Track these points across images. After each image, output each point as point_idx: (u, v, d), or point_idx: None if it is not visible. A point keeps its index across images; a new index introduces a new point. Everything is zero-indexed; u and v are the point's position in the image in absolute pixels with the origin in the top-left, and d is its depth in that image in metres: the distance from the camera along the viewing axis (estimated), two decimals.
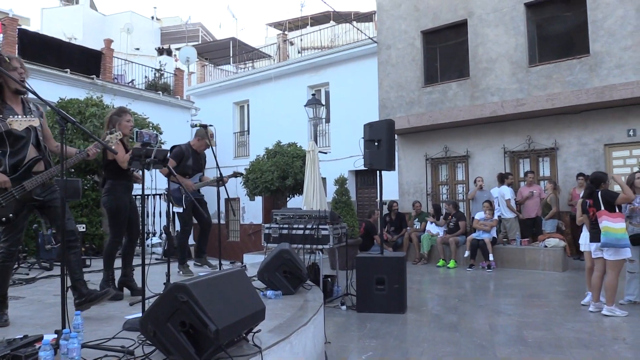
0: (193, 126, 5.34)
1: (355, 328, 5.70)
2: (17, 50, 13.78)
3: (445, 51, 12.96)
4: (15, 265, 6.65)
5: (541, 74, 11.13)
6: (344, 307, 6.52)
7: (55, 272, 6.65)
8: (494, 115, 11.53)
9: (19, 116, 3.26)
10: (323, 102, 14.97)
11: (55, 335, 2.92)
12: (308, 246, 6.62)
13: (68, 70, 14.34)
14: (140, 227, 4.65)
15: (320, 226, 6.53)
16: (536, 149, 11.54)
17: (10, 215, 3.55)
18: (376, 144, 6.55)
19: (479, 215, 10.56)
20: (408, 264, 10.56)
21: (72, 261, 3.72)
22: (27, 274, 6.38)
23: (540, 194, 10.62)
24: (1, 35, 13.90)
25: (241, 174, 6.57)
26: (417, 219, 11.91)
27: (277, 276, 4.61)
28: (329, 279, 7.05)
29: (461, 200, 12.84)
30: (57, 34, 18.96)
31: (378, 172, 6.87)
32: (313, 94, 14.40)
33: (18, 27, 14.25)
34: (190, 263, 6.44)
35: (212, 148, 5.53)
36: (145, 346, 2.79)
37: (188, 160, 6.03)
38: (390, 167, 6.62)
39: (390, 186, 13.25)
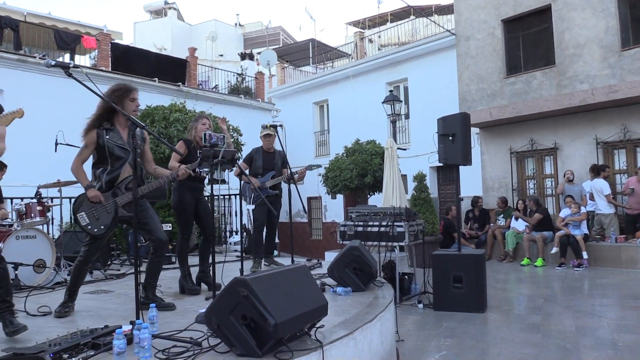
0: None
1: (431, 326, 5.58)
2: (110, 64, 14.79)
3: (528, 39, 12.35)
4: (109, 262, 7.16)
5: (636, 57, 10.30)
6: (420, 306, 6.41)
7: (142, 268, 7.06)
8: (584, 104, 10.83)
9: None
10: (402, 98, 14.80)
11: (131, 327, 3.11)
12: (384, 243, 6.57)
13: (156, 79, 15.18)
14: (214, 226, 4.85)
15: (396, 223, 6.46)
16: (633, 139, 10.71)
17: (102, 227, 3.88)
18: (450, 138, 6.37)
19: (564, 213, 9.94)
20: (493, 262, 10.21)
21: (153, 267, 4.04)
22: (119, 270, 6.83)
23: None
24: (96, 50, 14.98)
25: (318, 166, 6.56)
26: (501, 215, 11.45)
27: (347, 273, 4.61)
28: (406, 277, 6.95)
29: (550, 195, 12.19)
30: (148, 46, 20.13)
31: (455, 167, 6.69)
32: (391, 91, 14.27)
33: (111, 41, 15.27)
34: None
35: (280, 144, 5.68)
36: (211, 338, 2.90)
37: (257, 162, 6.32)
38: (466, 161, 6.41)
39: (473, 182, 12.85)
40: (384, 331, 3.78)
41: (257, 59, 24.29)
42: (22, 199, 7.05)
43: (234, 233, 10.00)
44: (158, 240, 4.00)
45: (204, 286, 5.06)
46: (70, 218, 6.22)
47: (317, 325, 3.09)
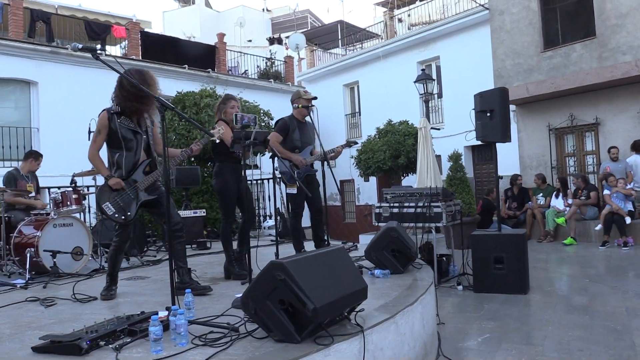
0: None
1: (472, 309, 5.42)
2: (140, 52, 14.88)
3: (566, 10, 11.84)
4: (145, 248, 7.20)
5: None
6: (460, 287, 6.24)
7: None
8: (627, 76, 10.34)
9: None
10: (434, 77, 14.43)
11: (167, 313, 3.06)
12: (421, 225, 6.40)
13: (186, 66, 15.21)
14: (254, 208, 4.67)
15: (432, 204, 6.27)
16: None
17: (129, 213, 3.92)
18: (488, 114, 6.12)
19: (608, 191, 9.52)
20: (532, 243, 9.89)
21: (177, 250, 3.96)
22: (155, 256, 6.85)
23: None
24: (126, 40, 15.07)
25: (355, 142, 6.06)
26: (541, 194, 11.09)
27: (384, 255, 4.48)
28: (444, 258, 6.78)
29: (591, 173, 11.75)
30: (177, 34, 20.20)
31: (493, 145, 6.44)
32: (423, 70, 13.93)
33: (140, 30, 15.34)
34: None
35: (312, 119, 5.18)
36: (248, 323, 2.83)
37: (294, 133, 5.37)
38: (505, 138, 6.17)
39: (510, 160, 12.48)
40: (425, 314, 3.65)
41: (285, 43, 24.13)
42: (58, 187, 7.14)
43: (267, 217, 9.97)
44: (175, 222, 3.95)
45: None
46: (97, 213, 6.27)
47: (357, 309, 2.98)
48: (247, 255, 4.94)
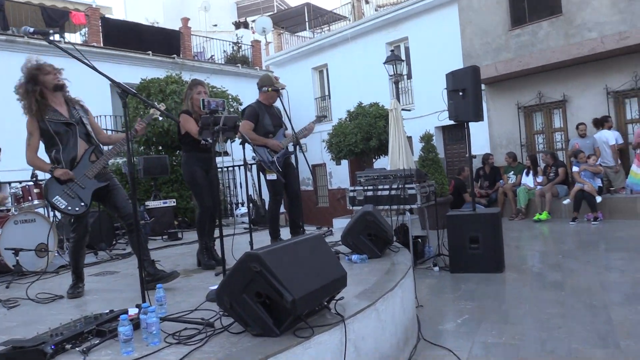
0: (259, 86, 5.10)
1: (449, 290, 5.40)
2: (101, 39, 14.39)
3: None
4: (114, 241, 6.97)
5: None
6: (436, 269, 6.22)
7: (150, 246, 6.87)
8: (593, 52, 10.44)
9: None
10: (403, 58, 14.36)
11: (137, 311, 2.91)
12: (395, 207, 6.35)
13: (150, 52, 14.78)
14: (220, 199, 4.53)
15: (407, 185, 6.21)
16: None
17: (82, 204, 3.76)
18: (461, 93, 6.07)
19: (576, 169, 9.65)
20: (504, 221, 9.96)
21: (134, 242, 3.82)
22: (124, 249, 6.64)
23: None
24: (86, 27, 14.55)
25: (325, 116, 5.89)
26: (512, 172, 11.19)
27: (361, 239, 4.39)
28: (419, 240, 6.76)
29: (560, 150, 11.90)
30: (139, 20, 19.60)
31: (465, 124, 6.40)
32: (392, 51, 13.84)
33: (101, 16, 14.82)
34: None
35: (284, 109, 4.97)
36: (224, 318, 2.70)
37: (265, 118, 5.20)
38: (478, 117, 6.13)
39: (480, 140, 12.54)
40: (405, 299, 3.58)
41: (252, 27, 23.72)
42: (20, 182, 6.83)
43: (240, 205, 9.80)
44: (128, 215, 3.88)
45: None
46: (47, 206, 6.03)
47: (337, 298, 2.88)
48: (214, 245, 4.87)
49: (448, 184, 10.62)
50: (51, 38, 3.02)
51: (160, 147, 9.60)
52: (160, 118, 3.98)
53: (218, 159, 4.48)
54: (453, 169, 13.77)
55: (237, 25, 25.01)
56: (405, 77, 14.99)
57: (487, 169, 11.53)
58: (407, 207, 6.31)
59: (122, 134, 4.02)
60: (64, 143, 3.78)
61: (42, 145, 3.87)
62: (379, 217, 4.46)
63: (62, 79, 3.83)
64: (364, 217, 4.40)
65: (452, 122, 6.67)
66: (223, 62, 18.16)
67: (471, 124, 6.32)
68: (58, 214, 7.65)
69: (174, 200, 8.19)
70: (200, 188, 4.70)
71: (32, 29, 2.97)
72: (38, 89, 3.73)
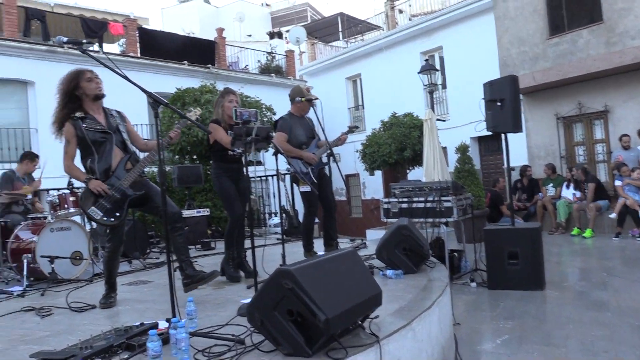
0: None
1: (487, 307, 5.21)
2: (138, 49, 14.65)
3: None
4: (147, 250, 7.00)
5: None
6: (473, 284, 6.02)
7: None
8: (637, 61, 10.06)
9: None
10: (437, 67, 14.17)
11: (167, 324, 2.86)
12: (430, 220, 6.19)
13: (185, 62, 14.98)
14: (247, 209, 4.44)
15: (443, 198, 6.05)
16: None
17: (117, 214, 3.74)
18: (499, 103, 5.89)
19: (619, 182, 9.25)
20: (544, 235, 9.64)
21: (178, 242, 3.79)
22: (158, 258, 6.65)
23: None
24: (124, 37, 14.84)
25: (357, 127, 5.83)
26: (551, 184, 10.85)
27: (396, 254, 4.26)
28: (456, 254, 6.57)
29: (602, 162, 11.50)
30: (176, 31, 19.93)
31: (503, 135, 6.20)
32: (426, 60, 13.68)
33: (138, 27, 15.10)
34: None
35: (318, 119, 4.83)
36: (254, 335, 2.62)
37: (297, 129, 5.15)
38: (517, 128, 5.94)
39: (518, 151, 12.20)
40: (442, 317, 3.44)
41: (285, 37, 23.87)
42: (57, 189, 6.93)
43: (272, 215, 9.76)
44: (171, 212, 3.74)
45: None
46: (82, 214, 6.09)
47: (372, 316, 2.77)
48: (252, 257, 4.81)
49: (484, 196, 10.36)
50: (84, 47, 3.00)
51: (194, 157, 9.66)
52: (195, 119, 3.91)
53: (250, 169, 4.43)
54: (489, 181, 13.46)
55: (271, 35, 25.22)
56: (439, 86, 14.80)
57: (525, 181, 11.21)
58: (443, 220, 6.14)
59: (155, 141, 3.97)
60: (100, 153, 3.77)
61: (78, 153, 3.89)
62: (415, 231, 4.33)
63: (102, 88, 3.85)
64: (399, 231, 4.27)
65: (488, 133, 6.49)
66: (257, 72, 18.29)
67: (508, 135, 6.13)
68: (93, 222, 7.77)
69: (208, 209, 8.20)
70: (229, 199, 4.65)
71: (65, 39, 2.97)
72: (79, 93, 3.77)
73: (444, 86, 15.49)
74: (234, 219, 4.70)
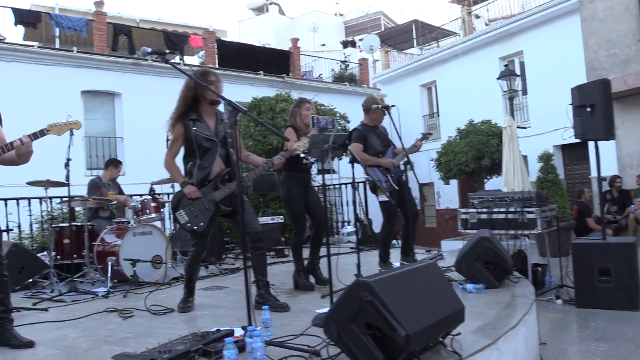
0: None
1: (576, 327, 4.86)
2: (216, 60, 15.13)
3: None
4: (223, 256, 7.12)
5: None
6: (559, 301, 5.65)
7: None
8: None
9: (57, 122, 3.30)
10: (518, 72, 13.61)
11: (243, 332, 2.85)
12: (512, 232, 5.89)
13: (261, 72, 15.31)
14: (325, 216, 4.38)
15: (526, 209, 5.74)
16: None
17: (202, 224, 3.77)
18: (589, 109, 5.52)
19: None
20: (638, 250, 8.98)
21: (257, 262, 3.80)
22: (233, 264, 6.75)
23: None
24: (203, 49, 15.38)
25: (430, 134, 5.69)
26: None
27: (477, 267, 4.06)
28: (539, 268, 6.21)
29: None
30: (252, 42, 20.46)
31: (593, 143, 5.81)
32: (506, 65, 13.19)
33: (216, 39, 15.61)
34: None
35: (394, 126, 4.61)
36: (330, 347, 2.55)
37: (372, 139, 5.10)
38: (609, 135, 5.54)
39: (606, 160, 11.32)
40: (529, 337, 3.22)
41: (359, 46, 23.87)
42: (140, 195, 7.22)
43: (346, 224, 9.70)
44: (254, 232, 3.77)
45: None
46: (170, 216, 6.27)
47: (453, 333, 2.62)
48: (328, 266, 4.76)
49: (569, 207, 9.77)
50: (167, 58, 3.08)
51: None
52: (302, 155, 3.93)
53: (327, 176, 4.38)
54: (573, 192, 12.72)
55: (345, 44, 25.32)
56: (520, 93, 14.21)
57: (615, 192, 10.47)
58: (526, 232, 5.82)
59: (260, 159, 4.02)
60: (202, 158, 3.81)
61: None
62: (497, 244, 4.11)
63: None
64: (481, 243, 4.06)
65: (573, 141, 6.10)
66: (331, 81, 18.40)
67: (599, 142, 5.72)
68: (172, 228, 8.01)
69: (282, 216, 8.24)
70: (296, 209, 4.63)
71: (149, 49, 3.05)
72: (199, 93, 3.78)
73: (525, 92, 14.86)
74: (299, 230, 4.70)
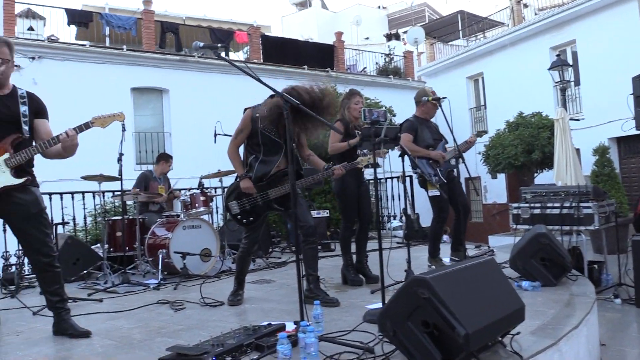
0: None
1: (637, 328, 4.66)
2: (261, 55, 15.22)
3: None
4: (270, 249, 7.16)
5: None
6: (617, 301, 5.41)
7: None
8: None
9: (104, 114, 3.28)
10: (570, 62, 13.11)
11: (294, 326, 2.83)
12: (566, 228, 5.67)
13: (305, 66, 15.31)
14: (372, 212, 4.33)
15: (582, 204, 5.52)
16: None
17: (251, 219, 3.80)
18: None
19: None
20: None
21: (308, 256, 3.78)
22: (280, 258, 6.77)
23: None
24: (248, 45, 15.49)
25: (485, 132, 5.57)
26: None
27: (533, 264, 3.91)
28: (596, 266, 5.96)
29: None
30: (295, 37, 20.50)
31: None
32: (557, 55, 12.72)
33: (261, 34, 15.71)
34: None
35: (446, 119, 4.49)
36: (385, 344, 2.50)
37: (424, 132, 5.03)
38: None
39: None
40: (590, 338, 3.08)
41: (403, 39, 23.57)
42: (189, 189, 7.33)
43: (391, 218, 9.59)
44: (307, 226, 3.76)
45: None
46: (224, 214, 6.32)
47: (512, 333, 2.52)
48: (366, 261, 4.73)
49: (627, 202, 9.35)
50: (219, 52, 3.09)
51: None
52: (363, 169, 3.96)
53: (371, 171, 4.32)
54: (630, 186, 12.20)
55: (389, 37, 25.04)
56: (572, 83, 13.69)
57: None
58: (582, 228, 5.60)
59: (321, 162, 4.04)
60: (266, 155, 3.82)
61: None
62: (555, 241, 3.95)
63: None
64: (537, 239, 3.92)
65: (630, 133, 5.83)
66: (375, 74, 18.24)
67: None
68: (220, 222, 8.11)
69: (327, 210, 8.22)
70: (349, 203, 4.58)
71: (201, 44, 3.06)
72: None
73: (577, 83, 14.31)
74: (349, 224, 4.65)
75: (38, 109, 3.22)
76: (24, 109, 3.11)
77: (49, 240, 3.23)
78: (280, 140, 3.80)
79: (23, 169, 3.09)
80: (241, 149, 3.98)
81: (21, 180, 3.03)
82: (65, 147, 3.09)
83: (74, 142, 3.08)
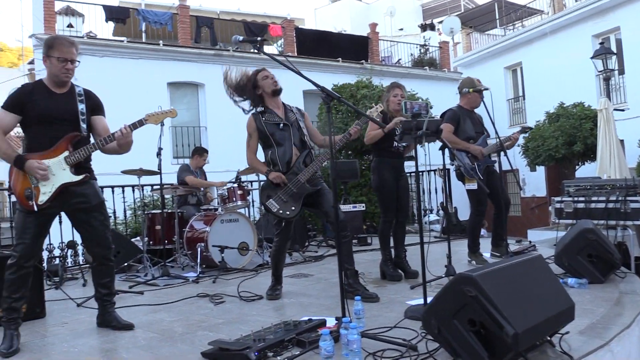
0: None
1: None
2: (295, 48, 15.20)
3: None
4: (306, 243, 7.16)
5: None
6: None
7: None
8: None
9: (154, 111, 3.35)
10: (614, 50, 12.65)
11: (335, 322, 2.81)
12: (612, 222, 5.48)
13: (339, 59, 15.23)
14: (409, 207, 4.24)
15: (629, 197, 5.32)
16: None
17: (293, 208, 3.79)
18: None
19: None
20: None
21: (342, 250, 3.69)
22: (316, 252, 6.77)
23: None
24: (282, 38, 15.49)
25: (531, 128, 5.38)
26: None
27: (579, 260, 3.78)
28: None
29: None
30: (329, 29, 20.40)
31: None
32: (601, 43, 12.29)
33: (295, 27, 15.69)
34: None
35: (487, 110, 4.34)
36: (428, 341, 2.45)
37: (466, 123, 4.90)
38: None
39: None
40: None
41: (438, 29, 23.17)
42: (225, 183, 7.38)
43: (428, 212, 9.47)
44: (341, 222, 3.67)
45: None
46: (260, 208, 6.35)
47: (562, 332, 2.44)
48: (405, 256, 4.66)
49: None
50: (258, 45, 3.09)
51: (349, 152, 9.72)
52: (376, 116, 3.91)
53: (411, 164, 4.24)
54: None
55: (424, 27, 24.66)
56: (616, 72, 13.22)
57: None
58: (629, 223, 5.40)
59: (338, 136, 4.00)
60: (279, 144, 3.88)
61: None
62: (603, 237, 3.81)
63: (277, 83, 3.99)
64: (584, 235, 3.78)
65: None
66: (410, 66, 18.01)
67: None
68: (257, 215, 8.16)
69: (363, 204, 8.17)
70: (388, 197, 4.51)
71: (241, 38, 3.08)
72: (259, 92, 3.94)
73: (621, 72, 13.82)
74: (388, 218, 4.57)
75: (95, 106, 3.30)
76: (81, 107, 3.18)
77: (108, 233, 3.34)
78: (286, 122, 3.90)
79: (82, 166, 3.17)
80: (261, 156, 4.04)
81: (80, 177, 3.11)
82: (120, 145, 3.16)
83: (128, 139, 3.15)
